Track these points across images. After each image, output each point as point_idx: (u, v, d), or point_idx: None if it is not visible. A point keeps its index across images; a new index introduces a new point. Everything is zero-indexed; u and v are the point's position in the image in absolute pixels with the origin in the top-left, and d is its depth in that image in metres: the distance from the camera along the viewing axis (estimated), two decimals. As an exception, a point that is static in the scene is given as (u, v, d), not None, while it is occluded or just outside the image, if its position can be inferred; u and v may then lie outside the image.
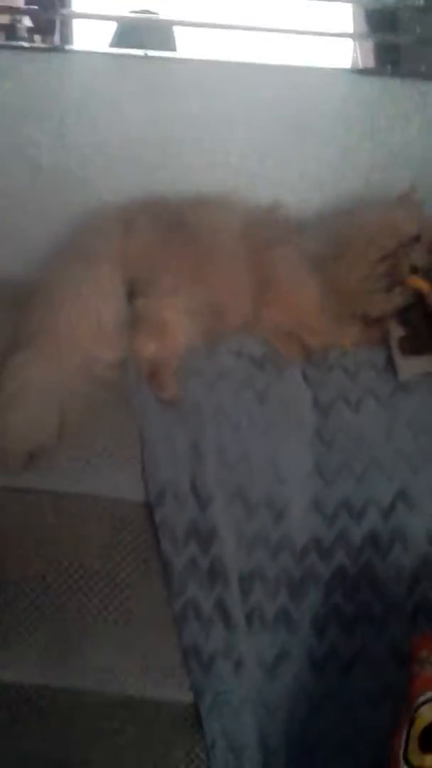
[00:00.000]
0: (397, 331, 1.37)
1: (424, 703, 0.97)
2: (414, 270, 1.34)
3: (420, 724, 0.96)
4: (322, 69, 1.62)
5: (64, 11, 1.65)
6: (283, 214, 1.51)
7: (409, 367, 1.34)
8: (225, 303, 1.40)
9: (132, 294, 1.37)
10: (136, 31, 1.69)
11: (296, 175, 1.59)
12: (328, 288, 1.36)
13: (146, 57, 1.59)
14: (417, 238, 1.35)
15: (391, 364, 1.36)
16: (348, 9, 1.68)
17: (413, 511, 1.25)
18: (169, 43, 1.71)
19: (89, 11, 1.69)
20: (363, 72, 1.63)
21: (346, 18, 1.69)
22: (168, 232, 1.41)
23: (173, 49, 1.70)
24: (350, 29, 1.69)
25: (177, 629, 1.23)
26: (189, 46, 1.70)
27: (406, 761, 0.94)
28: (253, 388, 1.34)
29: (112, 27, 1.73)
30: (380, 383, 1.34)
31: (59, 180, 1.57)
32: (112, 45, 1.70)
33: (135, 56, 1.59)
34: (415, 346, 1.34)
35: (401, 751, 0.95)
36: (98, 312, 1.33)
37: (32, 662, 1.24)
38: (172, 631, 1.24)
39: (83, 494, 1.29)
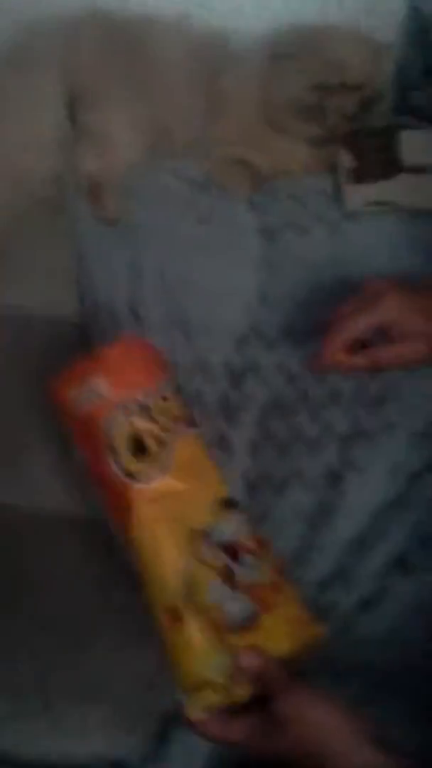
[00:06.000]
0: (346, 160, 1.32)
1: (112, 426, 0.97)
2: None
3: (121, 443, 0.96)
4: None
5: None
6: (233, 43, 1.43)
7: (358, 195, 1.29)
8: (172, 121, 1.34)
9: (74, 106, 1.30)
10: None
11: (248, 3, 1.51)
12: (274, 98, 1.31)
13: None
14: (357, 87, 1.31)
15: (339, 193, 1.31)
16: None
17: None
18: None
19: None
20: None
21: None
22: (116, 46, 1.34)
23: None
24: None
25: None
26: None
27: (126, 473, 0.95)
28: (196, 210, 1.29)
29: None
30: (329, 211, 1.30)
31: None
32: None
33: None
34: (363, 173, 1.30)
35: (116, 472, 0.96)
36: (35, 122, 1.27)
37: None
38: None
39: (15, 306, 1.25)
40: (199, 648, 0.90)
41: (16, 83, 1.29)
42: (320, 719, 0.85)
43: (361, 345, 1.05)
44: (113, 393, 0.98)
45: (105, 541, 1.07)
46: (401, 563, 1.13)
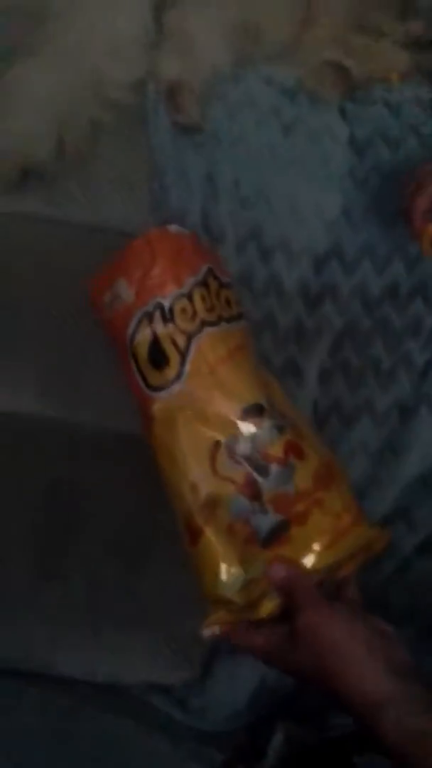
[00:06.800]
0: (448, 66, 1.20)
1: (135, 332, 0.93)
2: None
3: (142, 351, 0.92)
4: None
5: None
6: None
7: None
8: (262, 24, 1.24)
9: (160, 7, 1.22)
10: None
11: None
12: None
13: None
14: None
15: (438, 102, 1.20)
16: None
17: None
18: None
19: None
20: None
21: None
22: None
23: None
24: None
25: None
26: None
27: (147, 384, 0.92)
28: (280, 118, 1.20)
29: None
30: (424, 120, 1.19)
31: None
32: None
33: None
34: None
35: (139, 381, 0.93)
36: (115, 25, 1.20)
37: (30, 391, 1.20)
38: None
39: (88, 224, 1.21)
40: (211, 566, 0.86)
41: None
42: (337, 638, 0.79)
43: None
44: (135, 296, 0.93)
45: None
46: (468, 507, 1.07)
